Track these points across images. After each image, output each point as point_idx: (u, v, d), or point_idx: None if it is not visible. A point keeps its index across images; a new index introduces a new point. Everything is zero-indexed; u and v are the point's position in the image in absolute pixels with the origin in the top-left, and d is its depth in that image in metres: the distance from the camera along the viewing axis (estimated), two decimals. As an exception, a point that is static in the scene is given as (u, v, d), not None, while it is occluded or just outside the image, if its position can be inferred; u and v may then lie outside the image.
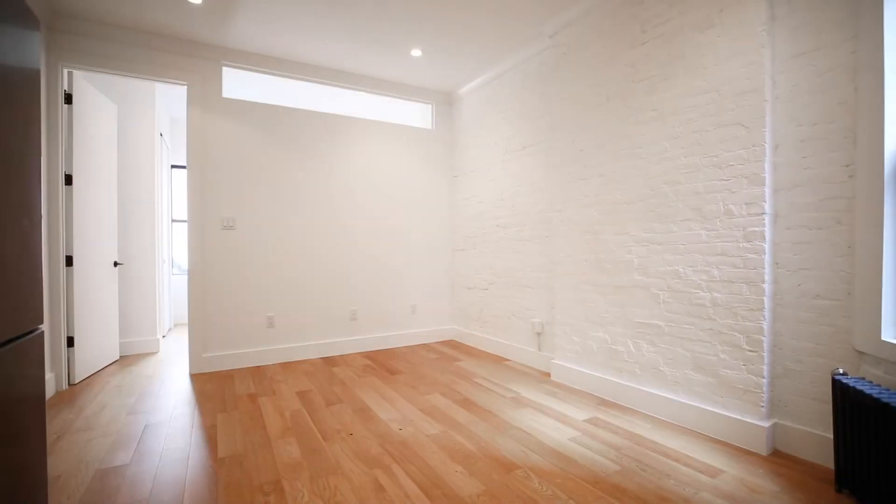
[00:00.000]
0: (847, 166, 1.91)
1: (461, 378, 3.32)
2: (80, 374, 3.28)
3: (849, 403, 1.71)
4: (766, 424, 2.10)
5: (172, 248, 5.89)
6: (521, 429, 2.40)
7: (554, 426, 2.43)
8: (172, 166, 6.01)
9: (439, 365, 3.70)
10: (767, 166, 2.12)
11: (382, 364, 3.75)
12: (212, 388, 3.13)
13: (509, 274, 3.97)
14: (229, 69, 3.81)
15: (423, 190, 4.69)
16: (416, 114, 5.03)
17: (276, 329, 3.84)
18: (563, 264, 3.23)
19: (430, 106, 4.82)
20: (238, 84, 4.28)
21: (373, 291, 4.32)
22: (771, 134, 2.14)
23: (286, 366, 3.71)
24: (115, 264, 3.85)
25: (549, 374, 3.41)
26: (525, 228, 3.78)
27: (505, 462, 2.03)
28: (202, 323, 3.56)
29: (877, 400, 1.56)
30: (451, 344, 4.55)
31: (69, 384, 3.20)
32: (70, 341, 3.18)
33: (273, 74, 3.87)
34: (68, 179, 3.17)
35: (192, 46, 3.51)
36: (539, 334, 3.62)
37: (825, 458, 1.97)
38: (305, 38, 3.47)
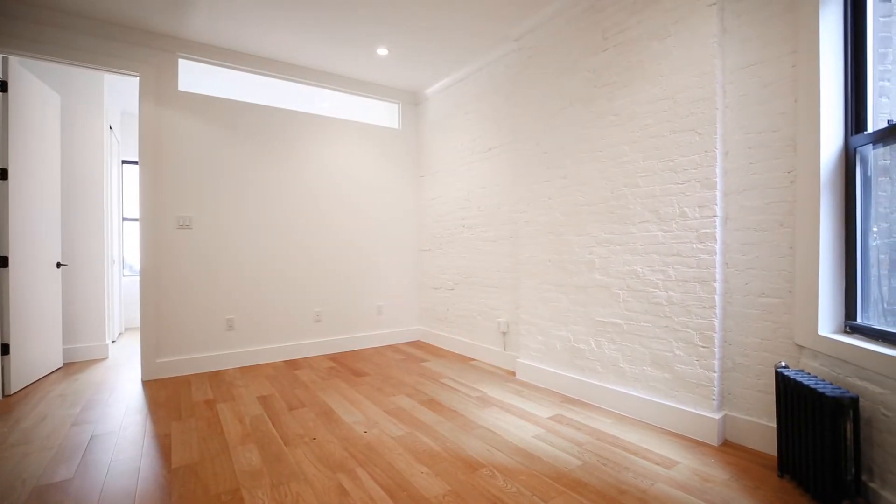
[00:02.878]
0: (789, 172, 2.04)
1: (427, 379, 3.31)
2: (16, 384, 3.04)
3: (789, 394, 1.83)
4: (717, 416, 2.21)
5: (123, 247, 5.58)
6: (486, 428, 2.42)
7: (518, 424, 2.47)
8: (123, 161, 5.68)
9: (405, 366, 3.68)
10: (718, 171, 2.23)
11: (347, 366, 3.69)
12: (166, 395, 2.98)
13: (475, 274, 4.00)
14: (186, 61, 3.65)
15: (389, 189, 4.65)
16: (383, 113, 4.99)
17: (236, 332, 3.71)
18: (527, 264, 3.29)
19: (396, 105, 4.79)
20: (196, 78, 4.11)
21: (338, 292, 4.24)
22: (721, 140, 2.25)
23: (246, 370, 3.59)
24: (59, 265, 3.60)
25: (514, 373, 3.46)
26: (490, 229, 3.81)
27: (470, 461, 2.04)
28: (155, 326, 3.38)
29: (813, 390, 1.68)
30: (418, 344, 4.54)
31: (4, 395, 2.96)
32: (5, 349, 2.95)
33: (233, 69, 3.74)
34: (3, 174, 2.93)
35: (145, 35, 3.33)
36: (504, 334, 3.67)
37: (770, 446, 2.10)
38: (269, 32, 3.37)
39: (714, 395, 2.23)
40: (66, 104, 3.97)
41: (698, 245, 2.30)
